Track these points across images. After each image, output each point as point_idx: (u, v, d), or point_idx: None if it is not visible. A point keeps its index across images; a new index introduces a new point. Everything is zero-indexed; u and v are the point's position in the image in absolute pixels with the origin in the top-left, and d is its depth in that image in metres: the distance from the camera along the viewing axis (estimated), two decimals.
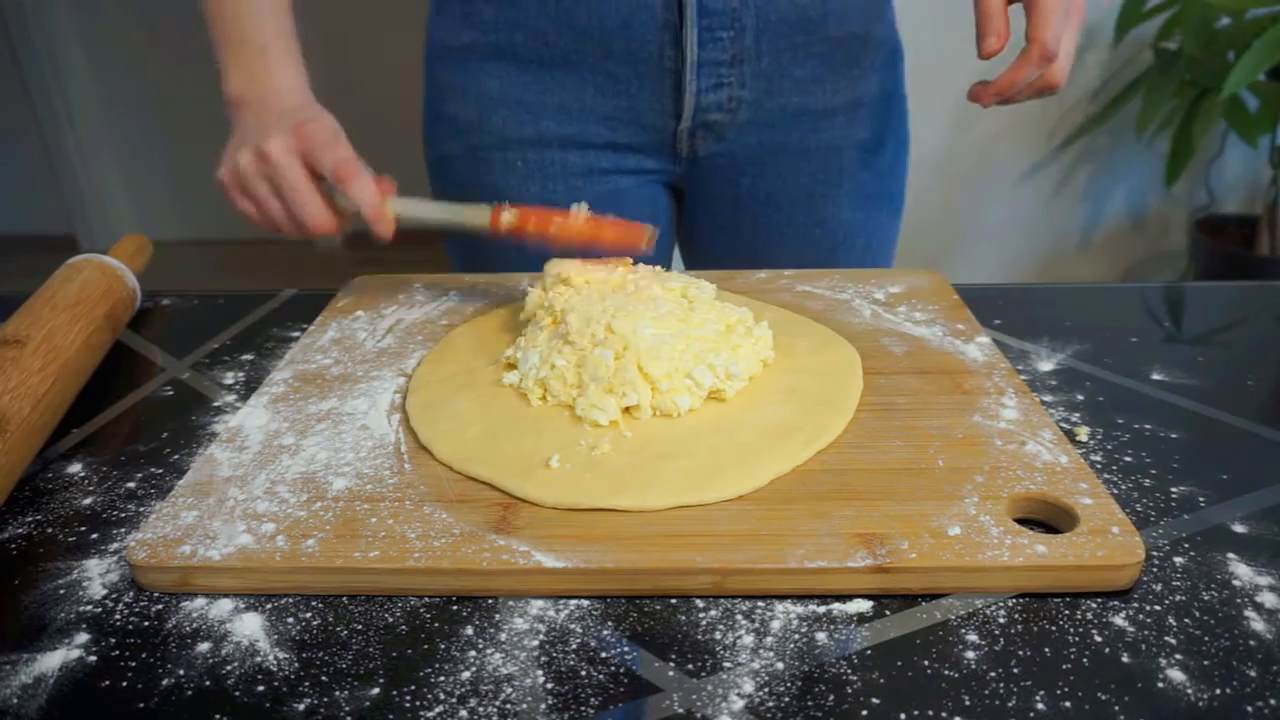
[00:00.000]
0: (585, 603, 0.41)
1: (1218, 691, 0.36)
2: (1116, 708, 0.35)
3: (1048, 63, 0.62)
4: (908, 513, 0.44)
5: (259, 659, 0.39)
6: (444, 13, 0.81)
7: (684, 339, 0.54)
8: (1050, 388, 0.58)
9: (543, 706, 0.36)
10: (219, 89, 0.70)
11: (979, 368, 0.58)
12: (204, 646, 0.39)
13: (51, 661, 0.39)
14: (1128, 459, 0.51)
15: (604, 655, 0.38)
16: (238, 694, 0.37)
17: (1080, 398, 0.57)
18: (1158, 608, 0.40)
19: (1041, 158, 2.25)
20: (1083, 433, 0.53)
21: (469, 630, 0.40)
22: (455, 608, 0.41)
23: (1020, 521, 0.44)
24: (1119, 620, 0.39)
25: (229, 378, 0.64)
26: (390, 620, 0.41)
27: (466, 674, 0.38)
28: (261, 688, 0.37)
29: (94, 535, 0.47)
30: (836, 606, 0.41)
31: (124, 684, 0.38)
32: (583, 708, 0.36)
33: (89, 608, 0.42)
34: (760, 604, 0.41)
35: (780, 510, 0.45)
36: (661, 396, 0.52)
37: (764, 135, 0.81)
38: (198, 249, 3.11)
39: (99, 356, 0.63)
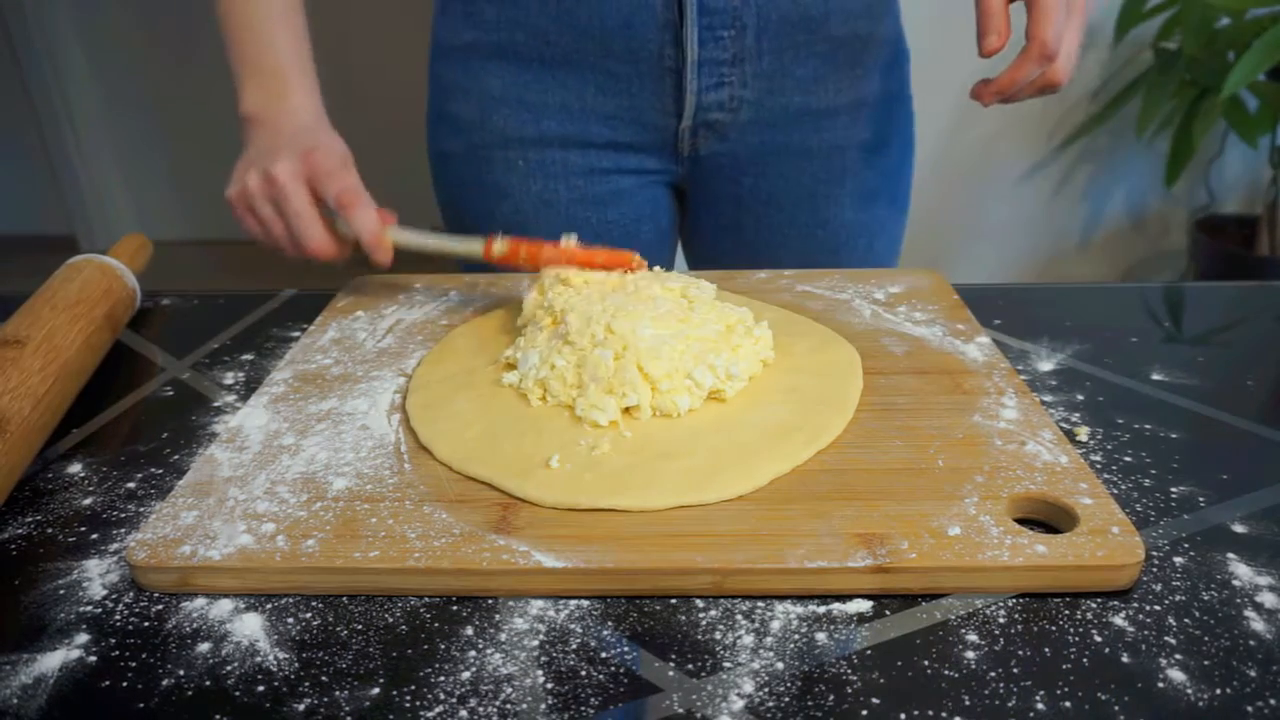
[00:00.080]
0: (585, 603, 0.41)
1: (1218, 691, 0.36)
2: (1116, 708, 0.35)
3: (1048, 61, 0.62)
4: (908, 513, 0.44)
5: (259, 659, 0.39)
6: (448, 12, 0.82)
7: (684, 339, 0.54)
8: (1050, 388, 0.58)
9: (543, 706, 0.36)
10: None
11: (979, 368, 0.58)
12: (204, 647, 0.39)
13: (51, 661, 0.39)
14: (1128, 459, 0.51)
15: (604, 655, 0.38)
16: (238, 694, 0.37)
17: (1080, 398, 0.57)
18: (1158, 608, 0.40)
19: (1041, 158, 2.25)
20: (1083, 433, 0.53)
21: (469, 630, 0.40)
22: (455, 608, 0.41)
23: (1020, 521, 0.44)
24: (1119, 620, 0.39)
25: (229, 378, 0.64)
26: (390, 620, 0.41)
27: (466, 674, 0.38)
28: (261, 688, 0.37)
29: (94, 535, 0.47)
30: (836, 606, 0.41)
31: (124, 684, 0.38)
32: (583, 708, 0.36)
33: (89, 608, 0.42)
34: (760, 604, 0.41)
35: (780, 510, 0.45)
36: (661, 397, 0.52)
37: (766, 135, 0.81)
38: (198, 249, 3.11)
39: (99, 356, 0.63)
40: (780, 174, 0.83)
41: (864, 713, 0.35)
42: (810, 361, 0.58)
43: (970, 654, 0.38)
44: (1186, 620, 0.39)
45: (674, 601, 0.41)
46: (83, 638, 0.40)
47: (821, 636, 0.39)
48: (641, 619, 0.40)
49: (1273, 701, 0.35)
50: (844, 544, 0.42)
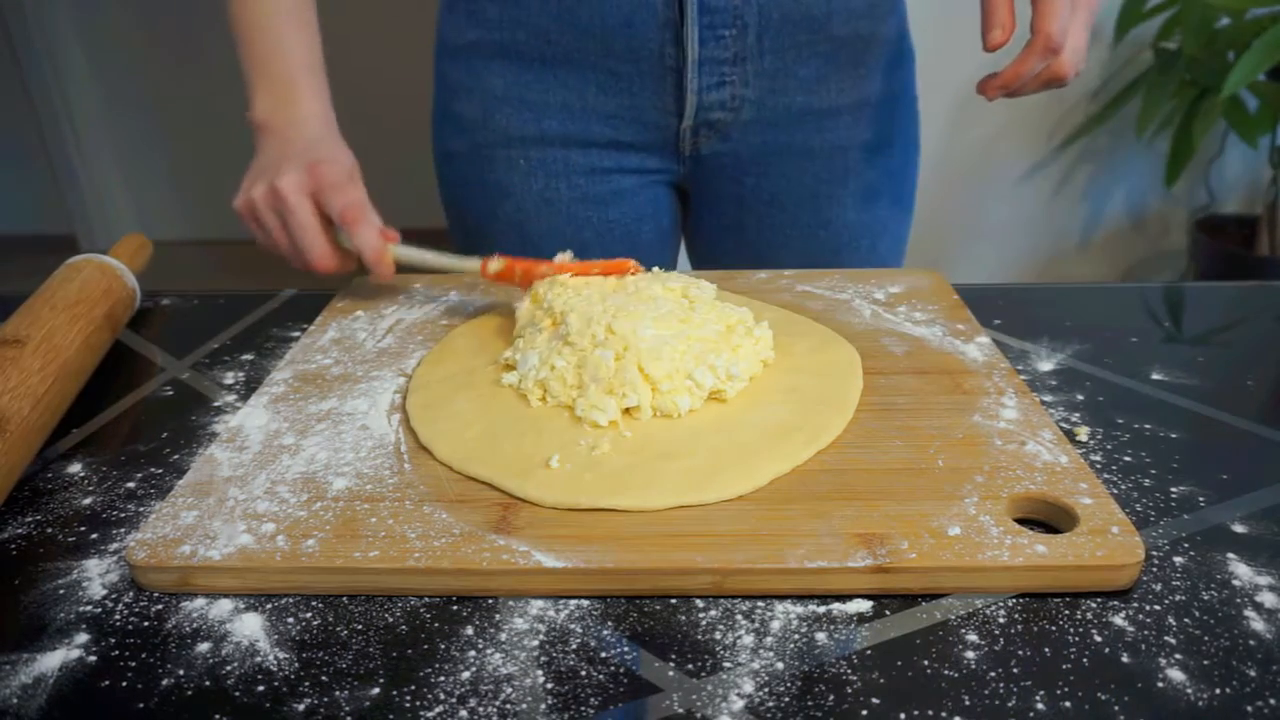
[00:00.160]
0: (585, 603, 0.41)
1: (1218, 691, 0.36)
2: (1116, 708, 0.35)
3: (1053, 54, 0.61)
4: (908, 513, 0.44)
5: (259, 659, 0.39)
6: (453, 11, 0.82)
7: (684, 339, 0.54)
8: (1050, 388, 0.58)
9: (543, 706, 0.36)
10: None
11: (979, 368, 0.58)
12: (204, 646, 0.39)
13: (51, 661, 0.39)
14: (1128, 459, 0.51)
15: (604, 655, 0.38)
16: (238, 694, 0.37)
17: (1080, 398, 0.57)
18: (1158, 608, 0.40)
19: (1041, 158, 2.25)
20: (1083, 433, 0.53)
21: (469, 630, 0.40)
22: (455, 608, 0.41)
23: (1020, 521, 0.44)
24: (1119, 620, 0.39)
25: (229, 378, 0.64)
26: (390, 620, 0.41)
27: (466, 674, 0.38)
28: (261, 688, 0.37)
29: (94, 535, 0.47)
30: (836, 606, 0.41)
31: (124, 684, 0.38)
32: (583, 708, 0.36)
33: (89, 608, 0.42)
34: (760, 604, 0.41)
35: (780, 510, 0.45)
36: (662, 397, 0.52)
37: (768, 135, 0.81)
38: (198, 249, 3.11)
39: (99, 356, 0.63)
40: (782, 174, 0.83)
41: (864, 713, 0.35)
42: (810, 361, 0.58)
43: (970, 654, 0.38)
44: (1186, 620, 0.39)
45: (674, 601, 0.41)
46: (83, 638, 0.40)
47: (821, 636, 0.39)
48: (641, 619, 0.40)
49: (1273, 701, 0.35)
50: (844, 544, 0.42)
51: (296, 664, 0.38)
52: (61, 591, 0.43)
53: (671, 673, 0.37)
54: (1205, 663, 0.37)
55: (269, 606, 0.42)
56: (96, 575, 0.44)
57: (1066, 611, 0.40)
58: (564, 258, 0.62)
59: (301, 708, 0.36)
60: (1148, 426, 0.54)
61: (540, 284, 0.61)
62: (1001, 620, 0.40)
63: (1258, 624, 0.39)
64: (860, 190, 0.85)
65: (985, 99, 0.66)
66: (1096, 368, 0.61)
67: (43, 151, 3.02)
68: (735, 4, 0.74)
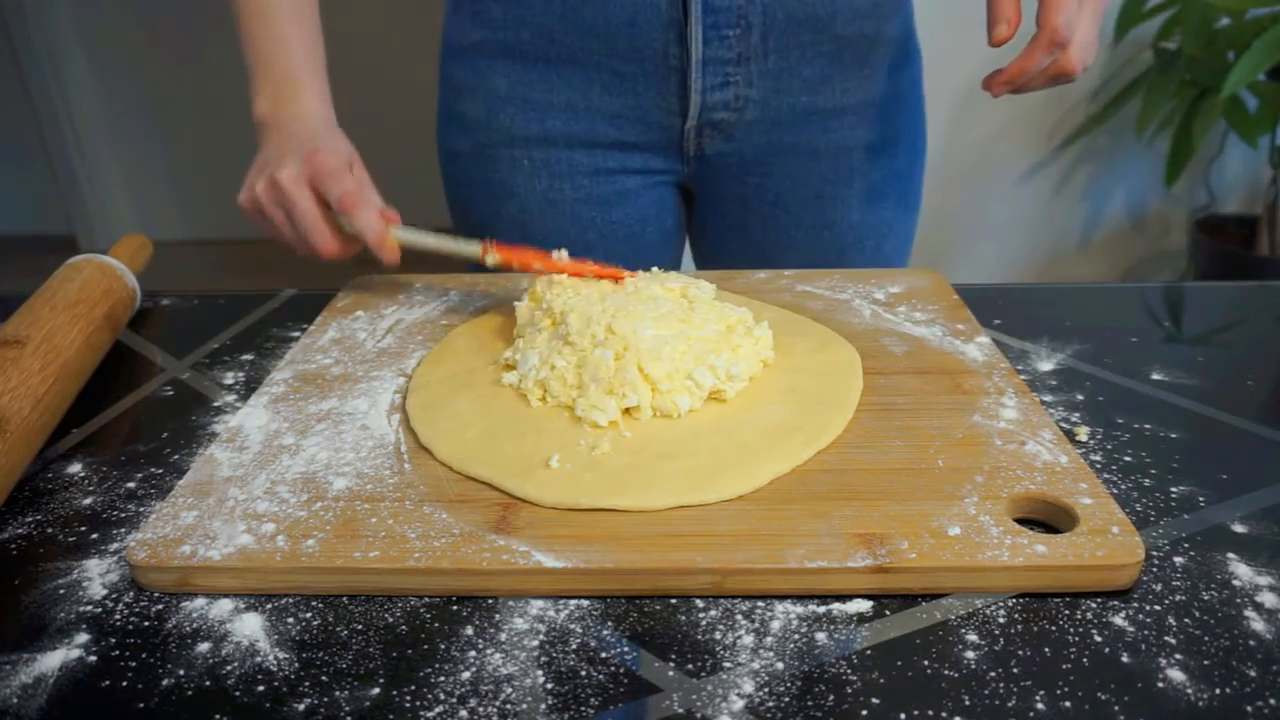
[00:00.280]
0: (585, 603, 0.41)
1: (1218, 691, 0.36)
2: (1116, 708, 0.35)
3: (1059, 49, 0.60)
4: (908, 513, 0.44)
5: (259, 659, 0.39)
6: (458, 11, 0.82)
7: (684, 340, 0.54)
8: (1050, 388, 0.58)
9: (543, 706, 0.36)
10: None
11: (979, 368, 0.58)
12: (204, 646, 0.39)
13: (51, 661, 0.39)
14: (1128, 459, 0.51)
15: (604, 655, 0.38)
16: (238, 694, 0.37)
17: (1080, 398, 0.57)
18: (1158, 608, 0.40)
19: (1041, 158, 2.25)
20: (1083, 433, 0.53)
21: (469, 630, 0.40)
22: (455, 608, 0.41)
23: (1020, 521, 0.44)
24: (1119, 620, 0.39)
25: (229, 378, 0.64)
26: (390, 620, 0.41)
27: (466, 674, 0.38)
28: (261, 688, 0.37)
29: (94, 535, 0.47)
30: (836, 606, 0.41)
31: (124, 684, 0.38)
32: (583, 708, 0.36)
33: (89, 608, 0.42)
34: (760, 604, 0.41)
35: (780, 510, 0.45)
36: (662, 397, 0.52)
37: (772, 135, 0.81)
38: (198, 249, 3.11)
39: (99, 356, 0.63)
40: (787, 174, 0.83)
41: (864, 713, 0.35)
42: (810, 361, 0.58)
43: (970, 654, 0.38)
44: (1186, 620, 0.39)
45: (674, 601, 0.41)
46: (83, 637, 0.40)
47: (821, 636, 0.39)
48: (641, 619, 0.40)
49: (1273, 701, 0.35)
50: (844, 544, 0.42)
51: (296, 664, 0.38)
52: (62, 591, 0.43)
53: (671, 673, 0.37)
54: (1205, 663, 0.37)
55: (269, 606, 0.42)
56: (97, 575, 0.44)
57: (1066, 611, 0.40)
58: (560, 256, 0.62)
59: (301, 708, 0.36)
60: (1148, 426, 0.54)
61: (540, 284, 0.61)
62: (1001, 620, 0.40)
63: (1258, 624, 0.39)
64: (865, 191, 0.84)
65: (990, 95, 0.65)
66: (1096, 368, 0.61)
67: (43, 151, 3.02)
68: (739, 4, 0.74)
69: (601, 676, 0.37)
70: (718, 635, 0.39)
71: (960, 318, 0.65)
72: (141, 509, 0.49)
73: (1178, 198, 2.26)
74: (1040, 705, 0.35)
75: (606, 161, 0.82)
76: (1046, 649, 0.38)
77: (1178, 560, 0.43)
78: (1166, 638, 0.38)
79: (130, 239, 0.76)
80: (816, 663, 0.38)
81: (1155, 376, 0.60)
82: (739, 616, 0.40)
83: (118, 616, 0.41)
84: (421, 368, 0.60)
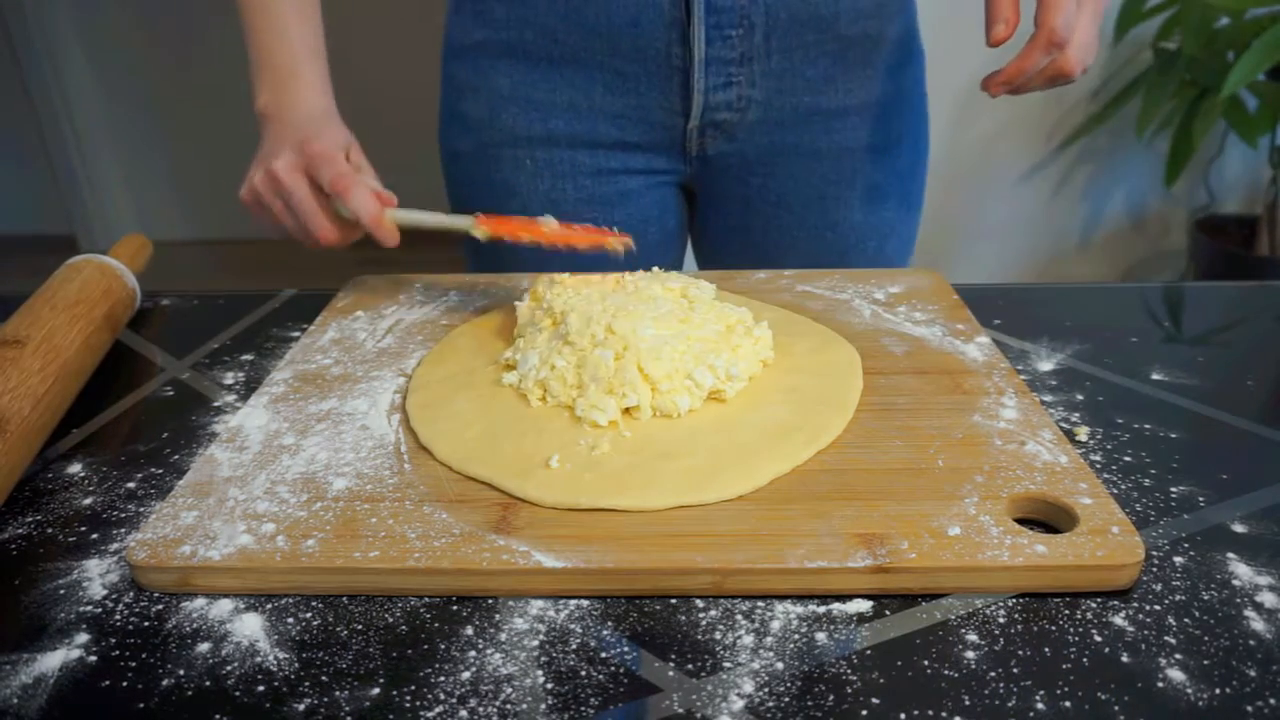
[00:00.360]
0: (585, 603, 0.41)
1: (1218, 691, 0.36)
2: (1116, 708, 0.35)
3: (1057, 49, 0.60)
4: (908, 513, 0.44)
5: (259, 659, 0.39)
6: (460, 11, 0.82)
7: (684, 339, 0.54)
8: (1050, 388, 0.58)
9: (543, 706, 0.36)
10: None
11: (979, 368, 0.58)
12: (204, 646, 0.39)
13: (51, 661, 0.39)
14: (1127, 459, 0.51)
15: (604, 655, 0.38)
16: (238, 694, 0.37)
17: (1080, 398, 0.57)
18: (1157, 608, 0.40)
19: (1041, 158, 2.25)
20: (1082, 433, 0.53)
21: (469, 630, 0.40)
22: (455, 608, 0.41)
23: (1020, 521, 0.44)
24: (1119, 620, 0.39)
25: (229, 378, 0.64)
26: (390, 620, 0.41)
27: (466, 674, 0.38)
28: (261, 688, 0.37)
29: (94, 535, 0.47)
30: (836, 606, 0.41)
31: (124, 684, 0.38)
32: (583, 708, 0.36)
33: (89, 608, 0.42)
34: (760, 604, 0.41)
35: (780, 510, 0.45)
36: (661, 397, 0.52)
37: (774, 135, 0.81)
38: (198, 249, 3.11)
39: (99, 356, 0.63)
40: (789, 175, 0.83)
41: (864, 713, 0.35)
42: (810, 361, 0.58)
43: (970, 654, 0.38)
44: (1186, 620, 0.39)
45: (674, 601, 0.41)
46: (83, 638, 0.40)
47: (821, 636, 0.39)
48: (641, 619, 0.40)
49: (1273, 701, 0.35)
50: (844, 544, 0.42)
51: (296, 664, 0.38)
52: (62, 591, 0.43)
53: (671, 673, 0.37)
54: (1205, 663, 0.37)
55: (269, 606, 0.42)
56: (97, 575, 0.44)
57: (1066, 611, 0.40)
58: (548, 223, 0.63)
59: (301, 708, 0.36)
60: (1148, 426, 0.54)
61: (540, 283, 0.61)
62: (1001, 620, 0.40)
63: (1258, 624, 0.39)
64: (868, 191, 0.84)
65: (989, 96, 0.65)
66: (1096, 368, 0.61)
67: (43, 151, 3.02)
68: (742, 4, 0.74)
69: (601, 676, 0.37)
70: (718, 635, 0.39)
71: (960, 318, 0.65)
72: (141, 509, 0.49)
73: (1178, 198, 2.26)
74: (1040, 705, 0.35)
75: (609, 162, 0.82)
76: (1046, 649, 0.38)
77: (1178, 560, 0.43)
78: (1166, 638, 0.38)
79: (130, 239, 0.76)
80: (816, 663, 0.38)
81: (1155, 376, 0.60)
82: (739, 616, 0.40)
83: (118, 616, 0.41)
84: (421, 368, 0.60)
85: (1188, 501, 0.47)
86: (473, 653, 0.39)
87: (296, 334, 0.69)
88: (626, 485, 0.46)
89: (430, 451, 0.51)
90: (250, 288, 0.79)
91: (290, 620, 0.41)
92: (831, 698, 0.36)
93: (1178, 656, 0.37)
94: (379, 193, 0.65)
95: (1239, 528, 0.45)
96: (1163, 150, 2.10)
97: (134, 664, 0.39)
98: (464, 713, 0.36)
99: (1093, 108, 2.16)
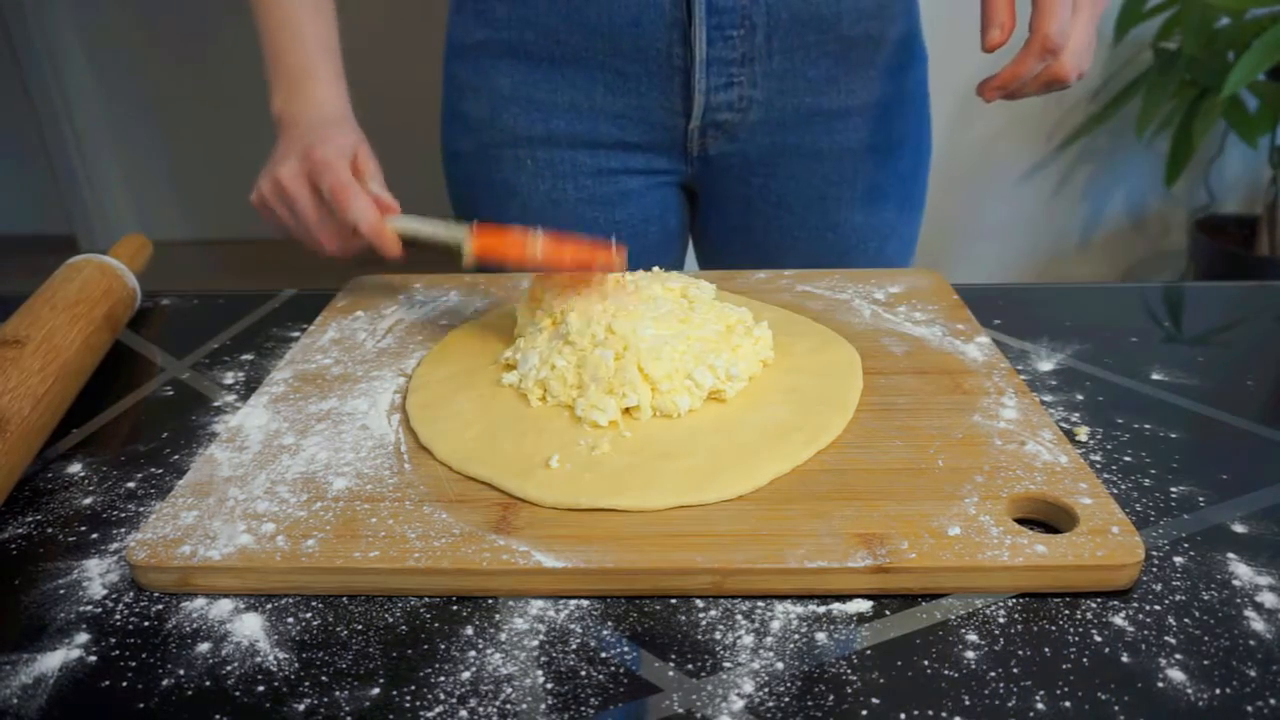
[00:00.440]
0: (585, 603, 0.41)
1: (1218, 691, 0.36)
2: (1116, 708, 0.35)
3: (1052, 55, 0.60)
4: (908, 513, 0.44)
5: (259, 659, 0.39)
6: (462, 11, 0.82)
7: (684, 340, 0.54)
8: (1050, 388, 0.58)
9: (543, 706, 0.36)
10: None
11: (979, 368, 0.58)
12: (204, 646, 0.39)
13: (51, 661, 0.39)
14: (1127, 459, 0.51)
15: (604, 655, 0.38)
16: (238, 694, 0.37)
17: (1080, 398, 0.57)
18: (1158, 608, 0.40)
19: (1041, 158, 2.25)
20: (1082, 433, 0.53)
21: (469, 630, 0.40)
22: (455, 608, 0.41)
23: (1020, 521, 0.44)
24: (1119, 620, 0.39)
25: (229, 378, 0.64)
26: (390, 620, 0.41)
27: (466, 674, 0.38)
28: (261, 688, 0.37)
29: (94, 535, 0.47)
30: (836, 606, 0.41)
31: (124, 684, 0.38)
32: (583, 708, 0.36)
33: (89, 608, 0.42)
34: (760, 604, 0.41)
35: (780, 510, 0.45)
36: (662, 397, 0.52)
37: (776, 135, 0.81)
38: (198, 249, 3.11)
39: (99, 356, 0.63)
40: (790, 175, 0.83)
41: (864, 713, 0.35)
42: (810, 361, 0.58)
43: (970, 654, 0.38)
44: (1186, 620, 0.39)
45: (674, 601, 0.41)
46: (83, 637, 0.40)
47: (821, 636, 0.39)
48: (641, 619, 0.40)
49: (1273, 701, 0.35)
50: (844, 544, 0.42)
51: (296, 664, 0.38)
52: (62, 591, 0.43)
53: (671, 673, 0.37)
54: (1205, 663, 0.37)
55: (269, 606, 0.42)
56: (97, 575, 0.44)
57: (1066, 611, 0.40)
58: (536, 240, 0.58)
59: (301, 708, 0.36)
60: (1148, 426, 0.54)
61: (538, 285, 0.61)
62: (1001, 620, 0.40)
63: (1258, 624, 0.39)
64: (868, 192, 0.84)
65: (984, 100, 0.65)
66: (1096, 368, 0.61)
67: (43, 151, 3.02)
68: (743, 4, 0.74)
69: (601, 676, 0.37)
70: (718, 635, 0.39)
71: (960, 318, 0.65)
72: (141, 509, 0.49)
73: (1178, 198, 2.26)
74: (1040, 705, 0.35)
75: (610, 162, 0.82)
76: (1046, 649, 0.38)
77: (1178, 560, 0.43)
78: (1166, 638, 0.38)
79: (130, 239, 0.76)
80: (816, 663, 0.38)
81: (1155, 376, 0.60)
82: (739, 616, 0.40)
83: (118, 616, 0.41)
84: (421, 368, 0.60)
85: (1188, 501, 0.47)
86: (473, 653, 0.39)
87: (296, 334, 0.69)
88: (626, 485, 0.46)
89: (430, 451, 0.50)
90: (250, 288, 0.79)
91: (290, 620, 0.41)
92: (831, 698, 0.36)
93: (1178, 656, 0.37)
94: (380, 199, 0.64)
95: (1239, 528, 0.45)
96: (1163, 150, 2.10)
97: (134, 664, 0.39)
98: (464, 713, 0.36)
99: (1093, 108, 2.16)
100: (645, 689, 0.37)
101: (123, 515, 0.49)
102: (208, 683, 0.38)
